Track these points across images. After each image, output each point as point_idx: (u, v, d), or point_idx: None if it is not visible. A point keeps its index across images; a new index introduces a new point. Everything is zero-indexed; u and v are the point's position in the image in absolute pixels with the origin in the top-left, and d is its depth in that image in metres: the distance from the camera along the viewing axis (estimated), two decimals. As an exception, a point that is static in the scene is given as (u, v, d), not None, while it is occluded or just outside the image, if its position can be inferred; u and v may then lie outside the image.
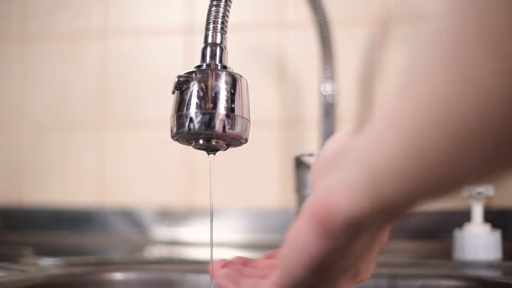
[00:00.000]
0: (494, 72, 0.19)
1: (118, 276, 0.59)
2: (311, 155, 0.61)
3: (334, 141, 0.31)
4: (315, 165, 0.31)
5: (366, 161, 0.25)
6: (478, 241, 0.59)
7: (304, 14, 0.73)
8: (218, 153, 0.41)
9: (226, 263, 0.37)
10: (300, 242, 0.27)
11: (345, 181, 0.25)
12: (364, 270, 0.32)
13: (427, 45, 0.22)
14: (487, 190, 0.59)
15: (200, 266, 0.61)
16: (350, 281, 0.32)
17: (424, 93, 0.21)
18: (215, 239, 0.83)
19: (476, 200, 0.60)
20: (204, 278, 0.58)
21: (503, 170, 0.21)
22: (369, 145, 0.25)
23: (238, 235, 0.81)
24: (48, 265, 0.59)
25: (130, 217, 0.85)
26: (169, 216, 0.84)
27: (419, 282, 0.54)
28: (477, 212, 0.60)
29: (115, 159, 0.88)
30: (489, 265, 0.58)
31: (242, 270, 0.37)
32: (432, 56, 0.21)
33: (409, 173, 0.22)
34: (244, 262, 0.39)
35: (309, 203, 0.27)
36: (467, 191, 0.60)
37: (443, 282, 0.54)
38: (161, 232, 0.84)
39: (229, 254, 0.72)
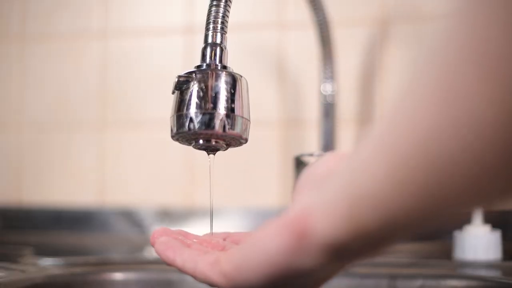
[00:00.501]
0: (482, 97, 0.18)
1: (118, 276, 0.59)
2: (311, 155, 0.61)
3: (326, 161, 0.30)
4: (301, 178, 0.30)
5: (348, 186, 0.24)
6: (478, 241, 0.59)
7: (304, 14, 0.73)
8: (218, 153, 0.41)
9: (166, 232, 0.36)
10: (268, 248, 0.26)
11: (325, 203, 0.25)
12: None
13: (420, 68, 0.21)
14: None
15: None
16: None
17: (411, 124, 0.20)
18: (215, 239, 0.83)
19: (476, 200, 0.60)
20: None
21: (490, 202, 0.21)
22: (352, 171, 0.24)
23: (238, 235, 0.81)
24: (48, 265, 0.59)
25: (130, 217, 0.85)
26: (169, 216, 0.84)
27: (419, 282, 0.54)
28: (477, 212, 0.60)
29: (115, 159, 0.88)
30: (489, 265, 0.58)
31: (184, 241, 0.36)
32: (423, 83, 0.20)
33: (389, 202, 0.22)
34: (186, 235, 0.38)
35: (287, 215, 0.26)
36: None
37: (443, 282, 0.54)
38: (161, 232, 0.84)
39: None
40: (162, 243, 0.34)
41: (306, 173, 0.31)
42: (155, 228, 0.37)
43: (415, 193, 0.21)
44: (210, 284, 0.30)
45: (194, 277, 0.31)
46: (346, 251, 0.25)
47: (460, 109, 0.18)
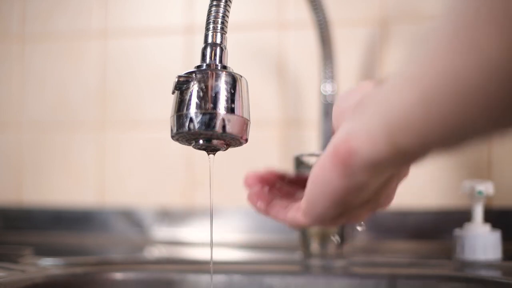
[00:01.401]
0: (498, 47, 0.22)
1: (118, 276, 0.59)
2: (311, 155, 0.61)
3: (358, 89, 0.34)
4: (337, 109, 0.34)
5: (385, 112, 0.28)
6: (478, 241, 0.59)
7: (304, 14, 0.73)
8: (218, 153, 0.41)
9: (259, 179, 0.42)
10: (324, 180, 0.31)
11: (366, 128, 0.29)
12: (383, 201, 0.36)
13: (443, 19, 0.25)
14: (487, 190, 0.59)
15: (200, 266, 0.61)
16: (370, 211, 0.36)
17: (439, 58, 0.24)
18: (215, 239, 0.83)
19: (476, 200, 0.60)
20: (204, 278, 0.58)
21: (504, 128, 0.25)
22: (388, 98, 0.28)
23: (238, 235, 0.81)
24: (48, 265, 0.59)
25: (130, 217, 0.85)
26: (169, 216, 0.84)
27: (419, 282, 0.54)
28: (477, 212, 0.60)
29: (115, 159, 0.88)
30: (489, 265, 0.58)
31: (273, 186, 0.42)
32: (447, 28, 0.25)
33: (422, 125, 0.26)
34: (277, 177, 0.43)
35: (333, 144, 0.31)
36: (468, 191, 0.60)
37: (443, 282, 0.54)
38: (161, 232, 0.84)
39: (229, 254, 0.73)
40: (254, 195, 0.41)
41: (339, 105, 0.34)
42: (248, 174, 0.43)
43: (444, 115, 0.25)
44: (299, 225, 0.37)
45: (285, 222, 0.38)
46: (385, 167, 0.30)
47: (480, 54, 0.23)
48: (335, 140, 0.31)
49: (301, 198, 0.36)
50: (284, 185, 0.42)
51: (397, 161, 0.29)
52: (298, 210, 0.37)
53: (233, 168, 0.83)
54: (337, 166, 0.30)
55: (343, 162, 0.30)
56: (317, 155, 0.60)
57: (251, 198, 0.42)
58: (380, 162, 0.29)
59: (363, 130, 0.29)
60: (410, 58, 0.27)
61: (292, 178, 0.43)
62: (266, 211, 0.40)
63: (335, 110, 0.35)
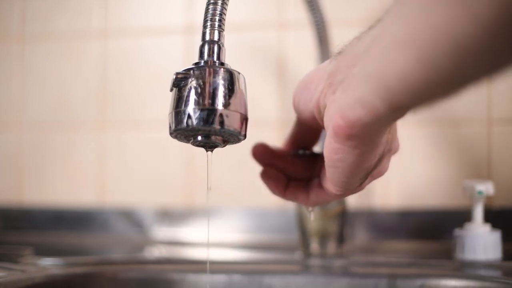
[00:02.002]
0: (489, 4, 0.23)
1: (118, 276, 0.59)
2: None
3: (313, 73, 0.37)
4: (301, 95, 0.38)
5: (380, 77, 0.28)
6: (478, 241, 0.59)
7: (304, 14, 0.73)
8: (219, 153, 0.41)
9: (268, 153, 0.44)
10: (338, 159, 0.33)
11: (360, 97, 0.30)
12: (382, 169, 0.39)
13: None
14: (487, 190, 0.59)
15: (200, 266, 0.61)
16: (374, 178, 0.39)
17: (434, 14, 0.25)
18: (215, 239, 0.83)
19: (477, 200, 0.60)
20: (204, 278, 0.58)
21: (497, 70, 0.26)
22: (380, 62, 0.28)
23: (238, 235, 0.81)
24: (48, 265, 0.59)
25: (130, 217, 0.85)
26: (169, 216, 0.84)
27: (419, 282, 0.54)
28: (477, 212, 0.60)
29: (115, 159, 0.88)
30: (489, 265, 0.58)
31: (286, 161, 0.43)
32: None
33: (421, 82, 0.27)
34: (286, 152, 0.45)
35: (331, 124, 0.32)
36: (468, 191, 0.60)
37: (443, 282, 0.54)
38: (161, 232, 0.84)
39: (229, 254, 0.72)
40: (270, 179, 0.43)
41: (302, 84, 0.38)
42: (255, 144, 0.45)
43: (441, 73, 0.26)
44: (324, 203, 0.41)
45: (307, 204, 0.42)
46: (386, 124, 0.32)
47: (471, 7, 0.24)
48: (330, 120, 0.32)
49: (316, 169, 0.41)
50: (295, 159, 0.44)
51: (396, 117, 0.31)
52: (319, 189, 0.40)
53: (233, 168, 0.84)
54: (343, 142, 0.32)
55: (348, 137, 0.31)
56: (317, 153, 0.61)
57: (268, 182, 0.44)
58: (380, 123, 0.31)
59: (356, 100, 0.30)
60: (395, 20, 0.29)
61: (302, 153, 0.45)
62: (284, 196, 0.43)
63: (297, 97, 0.39)
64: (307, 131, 0.44)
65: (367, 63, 0.30)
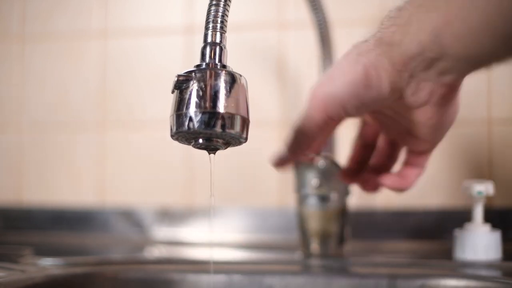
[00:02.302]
0: None
1: (118, 276, 0.59)
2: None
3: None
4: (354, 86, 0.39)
5: (459, 58, 0.34)
6: (478, 241, 0.59)
7: (304, 14, 0.73)
8: (218, 153, 0.41)
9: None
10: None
11: (446, 71, 0.35)
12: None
13: None
14: (487, 190, 0.59)
15: (200, 266, 0.61)
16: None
17: None
18: (215, 239, 0.83)
19: (477, 200, 0.60)
20: (204, 278, 0.58)
21: None
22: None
23: (238, 235, 0.81)
24: (48, 265, 0.59)
25: (130, 217, 0.85)
26: (169, 216, 0.84)
27: (419, 282, 0.54)
28: (478, 212, 0.60)
29: (115, 159, 0.88)
30: (489, 265, 0.58)
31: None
32: None
33: (492, 55, 0.32)
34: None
35: (432, 93, 0.37)
36: (468, 191, 0.60)
37: (443, 282, 0.54)
38: (161, 232, 0.84)
39: (229, 254, 0.72)
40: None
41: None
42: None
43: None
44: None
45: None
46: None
47: None
48: (430, 94, 0.37)
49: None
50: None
51: (474, 71, 0.35)
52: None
53: (233, 168, 0.84)
54: (447, 102, 0.38)
55: (451, 98, 0.38)
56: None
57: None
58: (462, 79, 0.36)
59: (448, 71, 0.35)
60: None
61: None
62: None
63: (354, 98, 0.39)
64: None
65: (445, 47, 0.33)
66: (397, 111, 0.42)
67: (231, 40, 0.41)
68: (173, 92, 0.38)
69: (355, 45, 0.40)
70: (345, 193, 0.63)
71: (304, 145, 0.44)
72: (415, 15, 0.34)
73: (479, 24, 0.29)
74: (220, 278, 0.58)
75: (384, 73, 0.37)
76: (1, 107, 0.93)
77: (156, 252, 0.76)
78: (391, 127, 0.45)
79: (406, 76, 0.36)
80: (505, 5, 0.28)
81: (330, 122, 0.41)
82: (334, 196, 0.62)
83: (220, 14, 0.38)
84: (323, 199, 0.62)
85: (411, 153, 0.47)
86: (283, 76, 0.83)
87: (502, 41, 0.29)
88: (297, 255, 0.65)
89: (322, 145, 0.47)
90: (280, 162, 0.46)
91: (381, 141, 0.50)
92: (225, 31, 0.38)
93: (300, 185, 0.63)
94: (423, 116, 0.40)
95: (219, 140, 0.38)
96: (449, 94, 0.38)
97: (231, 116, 0.37)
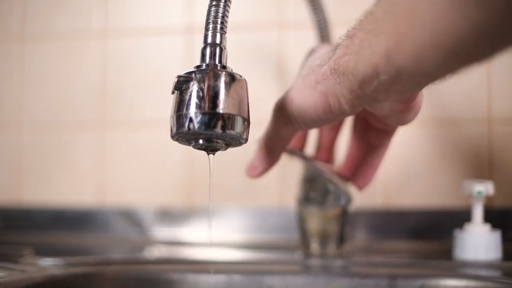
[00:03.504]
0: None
1: (118, 276, 0.59)
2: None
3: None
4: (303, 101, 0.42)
5: (415, 78, 0.34)
6: (478, 241, 0.59)
7: (304, 14, 0.73)
8: (219, 153, 0.41)
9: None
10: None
11: (405, 89, 0.37)
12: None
13: None
14: (487, 190, 0.59)
15: (200, 266, 0.61)
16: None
17: (430, 16, 0.30)
18: (215, 239, 0.83)
19: (476, 200, 0.60)
20: (204, 278, 0.58)
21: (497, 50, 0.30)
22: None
23: (238, 235, 0.81)
24: (48, 265, 0.59)
25: (130, 217, 0.85)
26: (169, 216, 0.84)
27: (419, 282, 0.54)
28: (477, 212, 0.60)
29: (115, 159, 0.88)
30: (489, 265, 0.58)
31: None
32: None
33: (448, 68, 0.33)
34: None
35: (393, 109, 0.39)
36: (468, 191, 0.60)
37: (443, 282, 0.54)
38: (161, 232, 0.84)
39: (229, 254, 0.72)
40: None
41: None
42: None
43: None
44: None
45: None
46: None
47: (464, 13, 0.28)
48: (391, 110, 0.39)
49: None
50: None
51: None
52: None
53: (233, 168, 0.84)
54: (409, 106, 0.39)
55: (412, 105, 0.39)
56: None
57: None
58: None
59: (407, 89, 0.36)
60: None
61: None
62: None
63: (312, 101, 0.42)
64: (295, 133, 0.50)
65: (401, 68, 0.33)
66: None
67: (231, 40, 0.41)
68: (173, 93, 0.38)
69: (312, 68, 0.42)
70: (347, 200, 0.63)
71: (269, 154, 0.50)
72: (366, 40, 0.35)
73: (428, 42, 0.30)
74: (220, 278, 0.58)
75: (343, 99, 0.39)
76: (1, 107, 0.93)
77: (156, 252, 0.76)
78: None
79: (366, 99, 0.37)
80: (451, 20, 0.28)
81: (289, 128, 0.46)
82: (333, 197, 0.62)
83: (220, 14, 0.38)
84: (323, 199, 0.62)
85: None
86: (283, 76, 0.83)
87: (451, 56, 0.30)
88: (297, 255, 0.65)
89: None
90: (254, 172, 0.52)
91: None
92: (225, 32, 0.38)
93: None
94: (389, 119, 0.43)
95: (219, 141, 0.38)
96: (410, 103, 0.40)
97: (231, 117, 0.37)
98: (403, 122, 0.42)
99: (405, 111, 0.40)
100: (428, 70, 0.32)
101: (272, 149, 0.49)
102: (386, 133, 0.51)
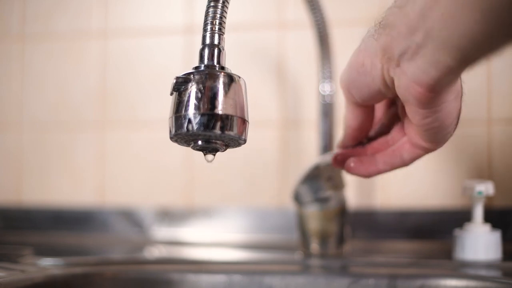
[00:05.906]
0: None
1: (118, 276, 0.59)
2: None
3: (360, 54, 0.40)
4: (350, 74, 0.41)
5: (449, 39, 0.31)
6: (478, 241, 0.59)
7: (303, 14, 0.73)
8: (218, 153, 0.41)
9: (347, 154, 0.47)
10: (430, 119, 0.38)
11: (433, 61, 0.33)
12: (462, 89, 0.40)
13: None
14: (487, 190, 0.59)
15: (200, 266, 0.61)
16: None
17: None
18: (215, 239, 0.83)
19: (477, 200, 0.60)
20: (204, 278, 0.58)
21: None
22: (449, 26, 0.31)
23: (238, 235, 0.81)
24: (48, 265, 0.59)
25: (130, 217, 0.85)
26: (169, 216, 0.84)
27: (419, 282, 0.54)
28: (478, 212, 0.60)
29: (115, 159, 0.88)
30: (489, 265, 0.58)
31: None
32: None
33: (487, 38, 0.30)
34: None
35: (411, 93, 0.36)
36: (468, 191, 0.60)
37: (443, 282, 0.54)
38: (161, 232, 0.84)
39: (229, 254, 0.72)
40: (354, 163, 0.46)
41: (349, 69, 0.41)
42: (335, 156, 0.48)
43: (503, 24, 0.29)
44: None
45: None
46: (458, 74, 0.36)
47: None
48: (407, 91, 0.36)
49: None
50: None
51: (466, 69, 0.34)
52: (412, 148, 0.44)
53: (233, 168, 0.84)
54: (428, 105, 0.36)
55: (431, 99, 0.35)
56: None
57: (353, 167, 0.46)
58: (452, 77, 0.34)
59: (430, 64, 0.33)
60: None
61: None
62: (379, 170, 0.46)
63: (351, 84, 0.41)
64: (365, 116, 0.46)
65: (431, 29, 0.32)
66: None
67: (230, 41, 0.41)
68: (171, 94, 0.38)
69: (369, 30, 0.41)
70: (341, 185, 0.62)
71: (348, 136, 0.47)
72: None
73: (469, 2, 0.29)
74: (220, 278, 0.58)
75: (376, 59, 0.38)
76: (1, 107, 0.93)
77: (156, 252, 0.76)
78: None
79: (393, 65, 0.36)
80: None
81: (356, 107, 0.44)
82: (333, 194, 0.62)
83: (218, 15, 0.38)
84: (323, 199, 0.62)
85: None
86: (282, 76, 0.83)
87: (495, 22, 0.29)
88: (297, 255, 0.65)
89: (364, 133, 0.47)
90: (337, 158, 0.48)
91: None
92: (223, 33, 0.38)
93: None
94: (416, 118, 0.39)
95: (218, 141, 0.38)
96: (427, 88, 0.37)
97: (230, 118, 0.37)
98: (419, 122, 0.39)
99: (421, 101, 0.36)
100: (462, 38, 0.31)
101: (347, 131, 0.47)
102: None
